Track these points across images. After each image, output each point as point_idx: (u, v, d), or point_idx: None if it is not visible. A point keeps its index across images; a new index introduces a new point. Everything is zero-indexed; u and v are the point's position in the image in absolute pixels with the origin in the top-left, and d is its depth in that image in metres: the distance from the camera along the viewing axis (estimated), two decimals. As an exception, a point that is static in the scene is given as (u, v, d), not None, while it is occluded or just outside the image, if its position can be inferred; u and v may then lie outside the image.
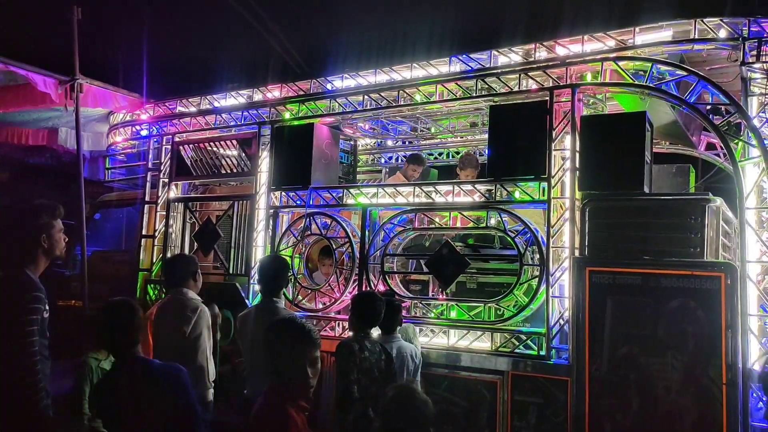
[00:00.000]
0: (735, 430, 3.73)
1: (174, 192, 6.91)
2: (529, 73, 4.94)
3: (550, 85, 4.82)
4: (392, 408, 2.90)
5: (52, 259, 3.33)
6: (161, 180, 7.04)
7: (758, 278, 4.15)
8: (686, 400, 3.86)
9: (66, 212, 3.36)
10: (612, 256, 4.29)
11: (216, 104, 6.82)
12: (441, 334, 4.98)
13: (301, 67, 12.56)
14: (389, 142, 7.75)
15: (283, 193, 6.01)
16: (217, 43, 13.19)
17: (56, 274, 7.75)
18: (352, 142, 6.87)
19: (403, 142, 7.72)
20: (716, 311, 3.84)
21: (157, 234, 6.98)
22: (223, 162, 6.63)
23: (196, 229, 6.62)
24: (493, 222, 5.05)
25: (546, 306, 4.58)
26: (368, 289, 5.27)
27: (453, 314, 5.12)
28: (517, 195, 4.84)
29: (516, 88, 4.97)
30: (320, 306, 5.67)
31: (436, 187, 5.28)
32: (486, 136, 5.37)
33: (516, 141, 4.81)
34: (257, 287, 5.12)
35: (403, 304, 4.74)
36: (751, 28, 4.25)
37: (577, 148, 4.56)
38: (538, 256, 4.70)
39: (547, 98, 4.76)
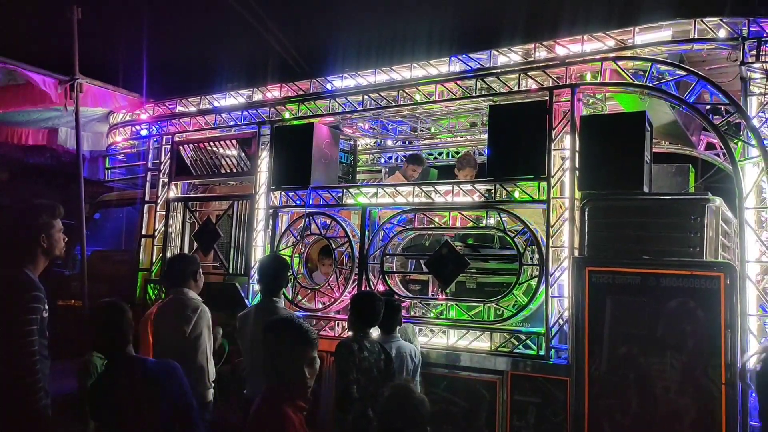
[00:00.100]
0: (734, 429, 3.73)
1: (174, 192, 6.91)
2: (529, 73, 4.93)
3: (550, 84, 4.82)
4: (389, 407, 2.91)
5: (52, 259, 3.33)
6: (161, 180, 7.04)
7: (757, 278, 4.15)
8: (685, 400, 3.86)
9: (66, 212, 3.36)
10: (611, 255, 4.29)
11: (216, 104, 6.82)
12: (440, 334, 4.99)
13: (301, 67, 12.57)
14: (389, 142, 7.75)
15: (283, 193, 6.01)
16: (217, 42, 13.19)
17: (56, 273, 7.76)
18: (351, 142, 6.87)
19: (403, 142, 7.72)
20: (715, 311, 3.84)
21: (156, 234, 6.98)
22: (223, 162, 6.63)
23: (196, 228, 6.62)
24: (492, 222, 5.06)
25: (545, 306, 4.58)
26: (368, 288, 5.27)
27: (452, 314, 5.12)
28: (516, 195, 4.84)
29: (516, 88, 4.97)
30: (320, 306, 5.67)
31: (436, 186, 5.28)
32: (485, 135, 5.37)
33: (516, 141, 4.81)
34: (257, 287, 5.12)
35: (403, 304, 4.73)
36: (751, 28, 4.25)
37: (577, 148, 4.56)
38: (537, 255, 4.70)
39: (547, 98, 4.75)
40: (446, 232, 5.32)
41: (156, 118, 7.31)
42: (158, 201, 7.01)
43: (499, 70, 5.06)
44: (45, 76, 6.35)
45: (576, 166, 4.55)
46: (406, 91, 5.49)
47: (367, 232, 5.46)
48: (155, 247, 6.97)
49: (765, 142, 4.14)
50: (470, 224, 5.31)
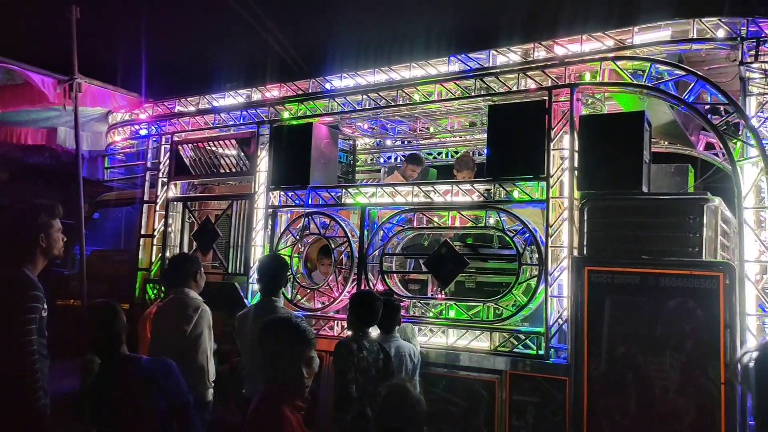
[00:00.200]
0: (733, 429, 3.73)
1: (173, 191, 6.91)
2: (528, 73, 4.94)
3: (549, 84, 4.82)
4: (386, 407, 2.90)
5: (51, 259, 3.33)
6: (160, 179, 7.04)
7: (756, 278, 4.15)
8: (684, 400, 3.86)
9: (65, 212, 3.36)
10: (611, 255, 4.29)
11: (215, 104, 6.82)
12: (440, 334, 4.99)
13: (300, 67, 12.57)
14: (388, 142, 7.74)
15: (282, 193, 6.01)
16: (216, 42, 13.19)
17: (55, 273, 7.76)
18: (350, 142, 6.87)
19: (402, 142, 7.72)
20: (715, 311, 3.84)
21: (156, 233, 6.98)
22: (222, 161, 6.63)
23: (195, 228, 6.62)
24: (491, 221, 5.05)
25: (544, 305, 4.58)
26: (367, 288, 5.27)
27: (452, 314, 5.13)
28: (515, 194, 4.84)
29: (515, 88, 4.97)
30: (319, 305, 5.67)
31: (435, 186, 5.29)
32: (485, 135, 5.37)
33: (515, 140, 4.81)
34: (256, 286, 5.12)
35: (402, 304, 4.74)
36: (750, 28, 4.25)
37: (576, 148, 4.56)
38: (536, 255, 4.70)
39: (546, 98, 4.75)
40: (445, 232, 5.32)
41: (155, 117, 7.31)
42: (157, 201, 7.01)
43: (498, 70, 5.06)
44: (44, 76, 6.34)
45: (575, 166, 4.55)
46: (405, 90, 5.49)
47: (366, 232, 5.46)
48: (154, 247, 6.98)
49: (764, 141, 4.14)
50: (469, 224, 5.31)
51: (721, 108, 4.43)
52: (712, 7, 4.65)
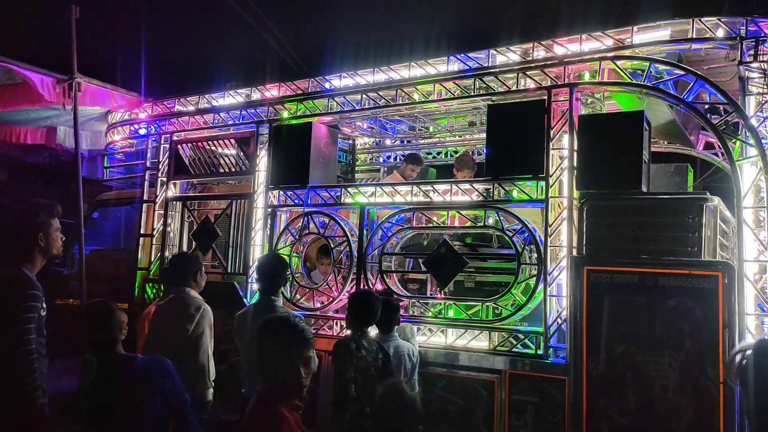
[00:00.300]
0: (732, 428, 3.73)
1: (172, 191, 6.91)
2: (527, 73, 4.93)
3: (548, 84, 4.82)
4: (384, 407, 2.90)
5: (50, 258, 3.33)
6: (159, 179, 7.03)
7: (755, 277, 4.14)
8: (683, 399, 3.87)
9: (64, 211, 3.35)
10: (610, 255, 4.30)
11: (214, 103, 6.81)
12: (439, 333, 4.99)
13: (300, 66, 12.56)
14: (387, 141, 7.75)
15: (281, 192, 6.01)
16: (216, 42, 13.19)
17: (54, 272, 7.74)
18: (350, 141, 6.87)
19: (402, 142, 7.72)
20: (714, 310, 3.84)
21: (155, 233, 6.98)
22: (222, 161, 6.63)
23: (195, 227, 6.62)
24: (491, 221, 5.05)
25: (544, 305, 4.58)
26: (366, 288, 5.27)
27: (451, 313, 5.12)
28: (515, 194, 4.84)
29: (514, 87, 4.97)
30: (318, 305, 5.67)
31: (434, 186, 5.29)
32: (484, 135, 5.37)
33: (514, 140, 4.82)
34: (255, 286, 5.12)
35: (401, 303, 4.74)
36: (749, 28, 4.25)
37: (575, 147, 4.56)
38: (535, 255, 4.70)
39: (545, 97, 4.76)
40: (445, 232, 5.32)
41: (154, 117, 7.30)
42: (157, 200, 7.00)
43: (497, 70, 5.06)
44: (43, 75, 6.34)
45: (574, 166, 4.55)
46: (405, 90, 5.49)
47: (365, 232, 5.46)
48: (154, 246, 6.97)
49: (763, 141, 4.14)
50: (468, 223, 5.31)
51: (721, 107, 4.43)
52: (712, 6, 4.65)
